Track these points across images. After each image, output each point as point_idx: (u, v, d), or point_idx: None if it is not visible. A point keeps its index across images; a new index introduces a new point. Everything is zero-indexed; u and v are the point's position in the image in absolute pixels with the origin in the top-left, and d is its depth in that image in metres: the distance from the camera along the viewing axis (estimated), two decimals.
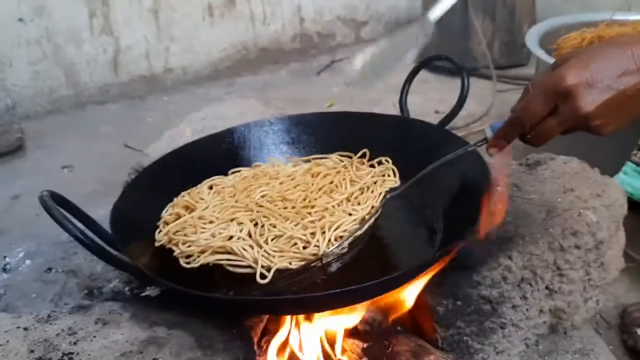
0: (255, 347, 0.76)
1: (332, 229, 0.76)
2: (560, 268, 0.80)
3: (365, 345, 0.79)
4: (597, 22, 1.55)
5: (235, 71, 2.54)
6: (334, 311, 0.77)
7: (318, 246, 0.74)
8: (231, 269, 0.74)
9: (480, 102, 1.99)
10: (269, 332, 0.81)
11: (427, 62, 1.03)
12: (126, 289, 1.03)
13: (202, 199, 0.85)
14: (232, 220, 0.80)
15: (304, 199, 0.82)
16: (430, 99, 2.06)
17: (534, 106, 0.60)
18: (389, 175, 0.90)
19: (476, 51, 2.26)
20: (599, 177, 0.90)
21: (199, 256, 0.75)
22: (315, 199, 0.82)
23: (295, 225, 0.78)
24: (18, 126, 1.89)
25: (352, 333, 0.81)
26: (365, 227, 0.77)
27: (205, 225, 0.79)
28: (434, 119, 1.00)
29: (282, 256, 0.73)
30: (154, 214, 0.85)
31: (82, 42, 2.19)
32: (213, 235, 0.77)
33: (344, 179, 0.87)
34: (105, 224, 0.79)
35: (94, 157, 1.85)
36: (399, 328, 0.82)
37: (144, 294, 0.95)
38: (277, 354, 0.77)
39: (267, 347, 0.78)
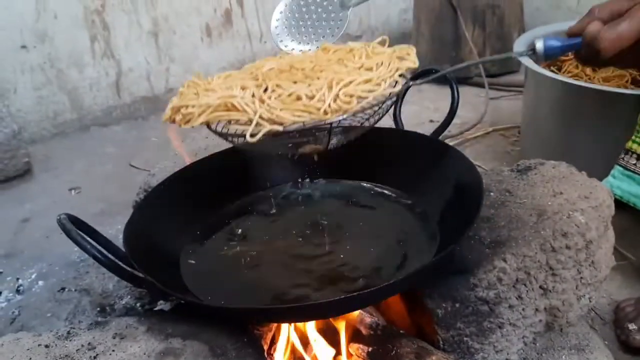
0: (266, 354, 0.80)
1: (341, 84, 0.70)
2: (552, 268, 0.82)
3: (370, 349, 0.81)
4: None
5: None
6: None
7: (324, 100, 0.68)
8: (232, 127, 0.70)
9: (474, 109, 2.04)
10: (278, 340, 0.84)
11: (418, 76, 1.07)
12: (138, 304, 1.07)
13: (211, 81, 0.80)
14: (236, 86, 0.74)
15: (313, 68, 0.77)
16: (425, 108, 2.11)
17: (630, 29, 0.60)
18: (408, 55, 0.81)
19: (468, 60, 2.31)
20: (586, 180, 0.92)
21: (199, 116, 0.70)
22: (327, 66, 0.76)
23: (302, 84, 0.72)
24: (25, 150, 1.93)
25: (356, 337, 0.84)
26: (379, 92, 0.71)
27: (208, 93, 0.74)
28: (429, 128, 1.04)
29: (285, 109, 0.68)
30: (165, 232, 0.89)
31: (85, 67, 2.24)
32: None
33: (359, 52, 0.80)
34: (116, 243, 0.82)
35: (100, 178, 1.90)
36: (401, 331, 0.85)
37: (157, 308, 0.99)
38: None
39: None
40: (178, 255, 0.89)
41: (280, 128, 0.67)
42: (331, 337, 0.84)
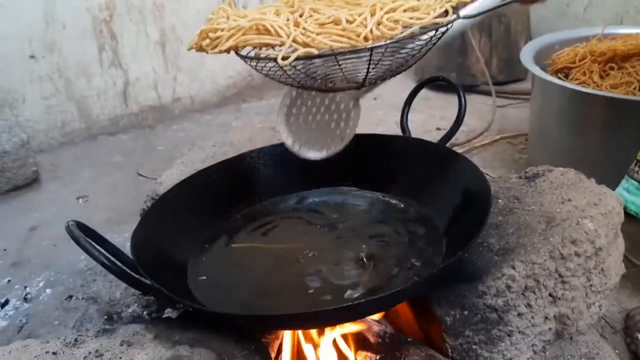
0: None
1: (385, 9, 0.64)
2: (562, 275, 0.82)
3: (377, 357, 0.81)
4: (589, 37, 1.60)
5: (242, 97, 2.60)
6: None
7: (365, 25, 0.63)
8: (263, 53, 0.64)
9: (481, 117, 2.03)
10: (285, 348, 0.84)
11: (425, 84, 1.07)
12: (145, 312, 1.07)
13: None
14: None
15: None
16: (432, 116, 2.11)
17: None
18: None
19: (475, 68, 2.31)
20: (595, 186, 0.92)
21: (227, 40, 0.65)
22: None
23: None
24: (33, 160, 1.94)
25: (364, 345, 0.83)
26: (428, 20, 0.64)
27: (239, 18, 0.68)
28: (436, 136, 1.04)
29: (321, 33, 0.62)
30: (172, 239, 0.89)
31: (92, 76, 2.26)
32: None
33: None
34: (123, 251, 0.82)
35: (108, 187, 1.90)
36: (409, 339, 0.84)
37: (164, 316, 0.99)
38: None
39: None
40: (185, 263, 0.89)
41: (315, 51, 0.62)
42: (339, 344, 0.84)
